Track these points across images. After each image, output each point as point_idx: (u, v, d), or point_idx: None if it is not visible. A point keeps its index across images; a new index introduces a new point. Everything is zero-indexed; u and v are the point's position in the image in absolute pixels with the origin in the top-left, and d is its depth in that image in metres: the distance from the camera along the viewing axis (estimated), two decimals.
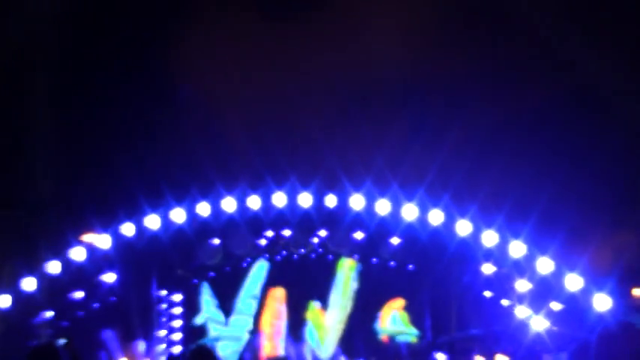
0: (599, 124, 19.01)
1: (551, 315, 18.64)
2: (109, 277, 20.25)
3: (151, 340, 20.95)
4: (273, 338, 22.28)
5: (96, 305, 20.32)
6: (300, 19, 19.35)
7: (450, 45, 19.28)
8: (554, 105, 19.11)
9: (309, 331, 22.23)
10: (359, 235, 21.10)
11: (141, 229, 20.10)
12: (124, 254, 20.15)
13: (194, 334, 21.60)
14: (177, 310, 22.01)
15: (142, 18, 19.61)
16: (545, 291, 18.64)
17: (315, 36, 19.11)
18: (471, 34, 19.55)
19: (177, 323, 21.94)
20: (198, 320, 22.03)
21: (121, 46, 19.64)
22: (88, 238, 19.66)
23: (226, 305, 22.22)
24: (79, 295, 19.92)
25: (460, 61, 19.22)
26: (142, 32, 19.61)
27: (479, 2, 19.52)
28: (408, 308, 21.90)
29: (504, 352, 18.37)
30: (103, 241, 19.63)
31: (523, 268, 18.98)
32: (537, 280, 18.62)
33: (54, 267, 18.86)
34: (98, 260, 19.67)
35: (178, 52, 19.05)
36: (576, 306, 18.09)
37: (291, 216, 20.77)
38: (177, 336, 21.81)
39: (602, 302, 17.61)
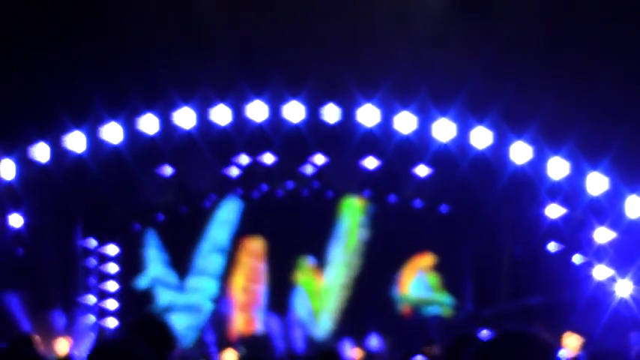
0: None
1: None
2: (14, 221, 20.05)
3: (74, 310, 20.88)
4: (248, 309, 22.53)
5: None
6: None
7: None
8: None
9: (300, 300, 22.44)
10: (371, 163, 21.08)
11: (59, 153, 19.85)
12: (36, 188, 19.99)
13: (135, 302, 21.70)
14: (112, 268, 22.03)
15: None
16: (633, 243, 18.62)
17: None
18: None
19: (112, 286, 21.96)
20: (142, 283, 22.11)
21: None
22: None
23: (181, 262, 22.35)
24: None
25: None
26: None
27: None
28: (440, 268, 22.14)
29: (576, 329, 18.51)
30: (4, 168, 19.49)
31: (604, 210, 19.00)
32: (623, 228, 18.61)
33: None
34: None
35: None
36: None
37: (274, 135, 20.57)
38: (111, 304, 21.82)
39: None
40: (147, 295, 22.08)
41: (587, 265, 19.75)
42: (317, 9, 19.22)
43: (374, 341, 21.04)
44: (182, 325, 21.08)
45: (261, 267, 22.67)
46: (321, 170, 21.91)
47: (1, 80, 19.08)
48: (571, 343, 18.17)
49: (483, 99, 19.47)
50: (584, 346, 17.28)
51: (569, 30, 18.16)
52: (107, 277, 22.06)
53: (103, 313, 21.83)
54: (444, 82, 19.50)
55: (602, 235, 19.05)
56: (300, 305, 22.46)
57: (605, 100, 18.09)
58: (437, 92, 19.74)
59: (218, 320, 22.30)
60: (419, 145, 20.28)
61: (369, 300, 21.97)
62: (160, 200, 22.00)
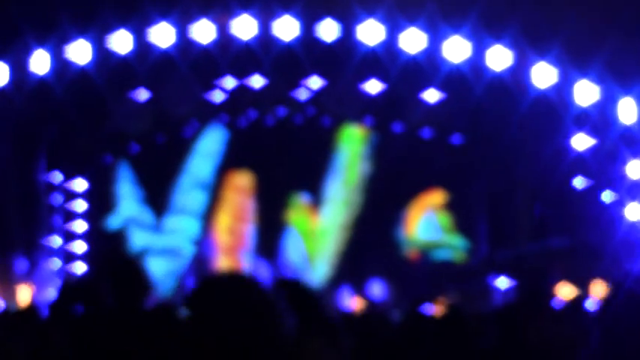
0: None
1: None
2: None
3: (37, 253, 21.02)
4: (234, 252, 22.82)
5: None
6: None
7: None
8: None
9: (292, 242, 22.72)
10: (374, 87, 21.07)
11: (19, 75, 19.94)
12: None
13: (106, 244, 21.97)
14: (80, 206, 22.25)
15: None
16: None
17: None
18: None
19: (80, 227, 22.17)
20: (114, 222, 22.36)
21: None
22: None
23: (158, 199, 22.62)
24: None
25: None
26: None
27: None
28: (451, 206, 22.42)
29: (605, 277, 18.74)
30: None
31: (638, 141, 19.12)
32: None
33: None
34: None
35: None
36: None
37: (263, 55, 20.50)
38: (79, 247, 22.04)
39: None
40: (119, 237, 22.21)
41: (619, 204, 19.74)
42: None
43: (376, 288, 21.23)
44: (160, 270, 21.24)
45: (249, 205, 22.84)
46: (316, 95, 21.88)
47: None
48: (599, 289, 18.50)
49: (500, 13, 19.32)
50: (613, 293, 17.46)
51: None
52: (74, 215, 22.20)
53: (69, 256, 21.94)
54: None
55: (636, 169, 19.11)
56: (293, 248, 22.67)
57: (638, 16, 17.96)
58: (448, 6, 19.67)
59: (200, 265, 22.44)
60: (428, 67, 20.15)
61: (371, 243, 22.06)
62: (134, 128, 22.04)
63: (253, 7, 20.30)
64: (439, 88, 20.67)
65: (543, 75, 19.29)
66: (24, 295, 19.28)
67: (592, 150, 19.84)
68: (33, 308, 9.04)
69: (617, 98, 18.92)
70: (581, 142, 19.83)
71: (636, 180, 19.37)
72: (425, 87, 20.89)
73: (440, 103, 21.01)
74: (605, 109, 19.19)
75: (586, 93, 19.05)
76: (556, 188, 20.73)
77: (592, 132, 19.71)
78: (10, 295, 18.49)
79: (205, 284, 4.79)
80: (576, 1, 18.61)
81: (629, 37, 18.09)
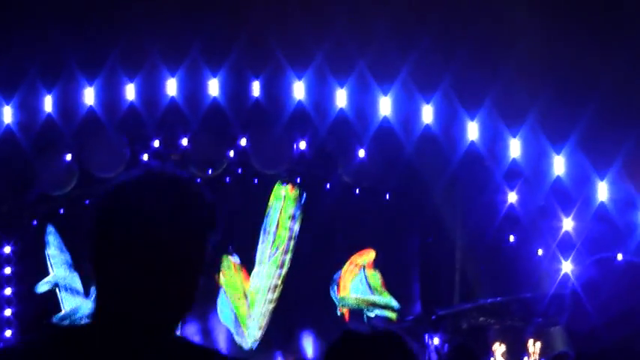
0: None
1: (613, 272, 18.37)
2: None
3: None
4: None
5: None
6: None
7: None
8: None
9: (223, 304, 22.85)
10: (303, 145, 21.28)
11: None
12: None
13: (37, 309, 21.93)
14: (7, 270, 22.21)
15: None
16: (603, 235, 18.70)
17: None
18: None
19: (7, 291, 22.13)
20: (42, 287, 22.28)
21: None
22: None
23: (86, 262, 22.02)
24: None
25: None
26: None
27: None
28: (382, 264, 22.57)
29: (541, 334, 18.89)
30: None
31: (571, 196, 19.29)
32: (591, 217, 18.96)
33: None
34: None
35: None
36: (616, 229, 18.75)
37: (190, 110, 20.77)
38: (6, 312, 22.00)
39: None
40: (50, 301, 22.20)
41: (553, 259, 19.86)
42: None
43: (309, 350, 21.55)
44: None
45: None
46: (244, 154, 21.99)
47: None
48: (535, 348, 18.71)
49: (432, 70, 19.59)
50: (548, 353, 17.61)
51: None
52: (4, 280, 22.24)
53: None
54: (386, 50, 19.75)
55: (568, 224, 19.27)
56: (224, 311, 22.78)
57: (571, 73, 18.38)
58: (378, 63, 19.91)
59: None
60: (358, 124, 20.45)
61: (303, 303, 22.33)
62: (60, 191, 21.94)
63: (184, 63, 20.58)
64: (369, 144, 20.81)
65: (474, 131, 19.52)
66: None
67: (524, 205, 19.95)
68: None
69: (549, 155, 19.05)
70: (513, 197, 19.99)
71: (569, 234, 19.40)
72: (355, 144, 21.02)
73: (370, 160, 21.15)
74: (537, 164, 19.35)
75: (517, 149, 19.26)
76: (490, 244, 20.95)
77: (524, 187, 19.85)
78: None
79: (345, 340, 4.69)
80: (508, 55, 18.93)
81: (562, 95, 18.48)
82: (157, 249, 2.37)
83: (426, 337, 19.74)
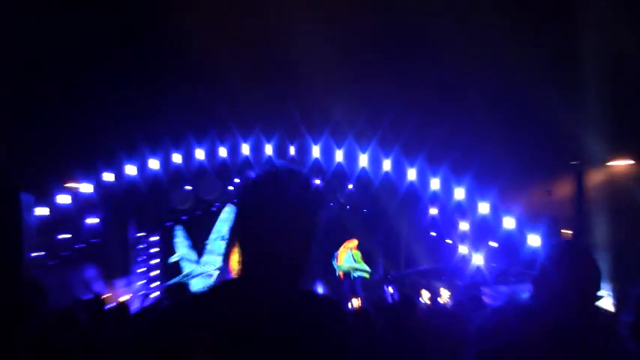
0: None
1: (488, 251, 18.83)
2: (92, 221, 20.34)
3: (130, 277, 21.19)
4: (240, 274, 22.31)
5: (79, 246, 20.30)
6: None
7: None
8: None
9: None
10: (317, 182, 20.63)
11: (120, 177, 20.24)
12: (106, 199, 20.26)
13: (170, 271, 22.04)
14: (155, 250, 22.45)
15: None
16: (483, 231, 18.84)
17: None
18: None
19: (155, 262, 22.36)
20: (173, 259, 22.43)
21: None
22: (72, 184, 19.75)
23: (198, 245, 22.56)
24: (64, 236, 19.95)
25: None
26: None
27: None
28: (361, 247, 22.51)
29: (447, 286, 18.97)
30: (85, 187, 19.81)
31: (464, 210, 19.31)
32: (477, 222, 18.81)
33: (41, 211, 18.90)
34: (80, 205, 19.80)
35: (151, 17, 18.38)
36: (511, 244, 18.10)
37: (256, 164, 20.68)
38: (154, 273, 22.21)
39: (534, 241, 17.81)
40: (176, 267, 22.29)
41: (455, 245, 20.15)
42: (289, 85, 19.02)
43: (320, 290, 20.39)
44: (199, 285, 20.81)
45: None
46: None
47: (81, 131, 18.77)
48: (444, 294, 18.71)
49: (389, 139, 19.68)
50: (452, 296, 17.57)
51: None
52: (151, 256, 22.35)
53: (149, 279, 22.04)
54: (363, 131, 19.92)
55: (464, 226, 19.41)
56: None
57: (464, 142, 18.05)
58: (359, 138, 20.01)
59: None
60: (348, 171, 20.40)
61: (318, 269, 21.47)
62: (183, 207, 22.16)
63: (250, 138, 20.61)
64: (355, 182, 20.64)
65: (411, 174, 19.41)
66: (122, 296, 18.21)
67: (440, 215, 20.05)
68: (125, 305, 8.93)
69: (453, 187, 19.02)
70: (434, 211, 20.02)
71: (464, 232, 19.58)
72: (346, 182, 20.94)
73: (354, 191, 21.09)
74: (448, 193, 19.27)
75: (435, 184, 19.28)
76: (420, 237, 21.12)
77: (440, 206, 19.90)
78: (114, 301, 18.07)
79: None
80: (432, 132, 18.59)
81: (462, 155, 18.28)
82: (282, 222, 2.08)
83: (385, 287, 19.61)
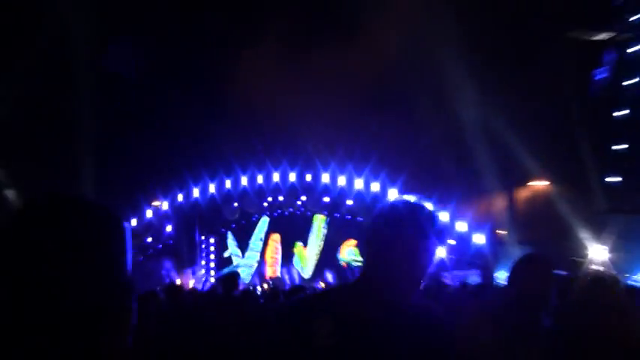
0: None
1: (448, 247, 18.23)
2: (168, 228, 20.62)
3: (195, 267, 21.21)
4: (273, 265, 22.54)
5: (160, 246, 20.52)
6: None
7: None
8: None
9: (296, 260, 22.38)
10: (326, 199, 21.16)
11: (187, 197, 20.50)
12: (178, 213, 20.59)
13: (223, 263, 21.87)
14: (212, 249, 22.38)
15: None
16: (444, 232, 17.87)
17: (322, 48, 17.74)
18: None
19: (212, 257, 22.31)
20: (225, 255, 22.32)
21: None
22: (155, 203, 20.14)
23: (243, 245, 22.44)
24: (149, 239, 20.24)
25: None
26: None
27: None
28: (358, 245, 21.83)
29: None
30: (164, 205, 20.21)
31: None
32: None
33: (133, 222, 19.35)
34: (161, 218, 20.23)
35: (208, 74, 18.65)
36: (464, 242, 18.12)
37: (283, 187, 20.97)
38: (212, 264, 22.17)
39: (479, 239, 17.88)
40: (228, 261, 21.97)
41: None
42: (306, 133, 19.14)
43: (329, 277, 20.93)
44: (244, 274, 20.85)
45: (278, 246, 22.53)
46: (304, 203, 21.74)
47: (162, 164, 18.81)
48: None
49: (377, 170, 19.56)
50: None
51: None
52: (210, 252, 22.18)
53: (208, 269, 21.88)
54: (359, 163, 19.81)
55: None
56: (296, 263, 22.25)
57: (431, 172, 17.73)
58: (357, 167, 19.86)
59: (260, 271, 22.27)
60: (348, 191, 20.34)
61: (326, 260, 21.72)
62: (232, 218, 21.96)
63: (279, 168, 20.40)
64: (353, 199, 20.39)
65: (393, 194, 19.03)
66: (189, 283, 18.83)
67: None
68: (194, 290, 8.89)
69: (422, 202, 18.39)
70: None
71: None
72: (347, 199, 20.65)
73: (353, 205, 20.57)
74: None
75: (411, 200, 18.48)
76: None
77: None
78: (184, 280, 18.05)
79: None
80: (408, 162, 18.25)
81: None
82: (405, 243, 1.65)
83: None
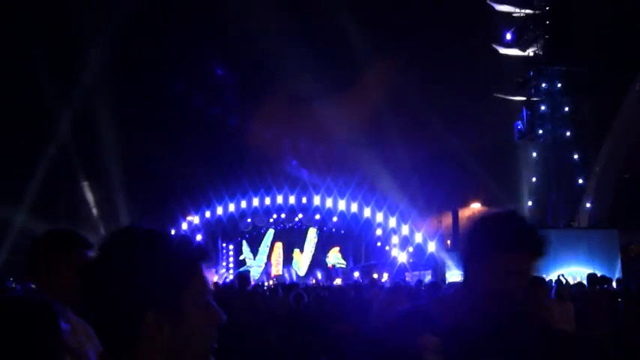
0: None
1: (408, 253, 18.03)
2: (198, 237, 19.61)
3: (218, 267, 20.63)
4: (277, 265, 22.23)
5: None
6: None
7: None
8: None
9: (294, 262, 22.07)
10: (317, 216, 20.92)
11: (213, 213, 20.05)
12: (206, 226, 20.10)
13: (239, 264, 21.59)
14: (231, 253, 21.96)
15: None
16: (405, 242, 18.35)
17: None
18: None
19: (231, 259, 21.87)
20: (241, 258, 21.97)
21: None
22: (189, 217, 19.73)
23: (254, 250, 22.14)
24: None
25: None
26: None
27: None
28: (341, 251, 21.90)
29: (386, 272, 18.17)
30: (195, 219, 19.83)
31: (395, 230, 18.83)
32: (402, 237, 18.42)
33: (172, 232, 18.12)
34: (193, 229, 19.71)
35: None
36: (420, 249, 17.85)
37: (284, 207, 20.56)
38: (231, 265, 21.67)
39: (432, 247, 17.35)
40: (243, 262, 21.52)
41: (390, 249, 18.85)
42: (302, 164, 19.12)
43: (319, 275, 20.47)
44: (255, 272, 20.35)
45: (281, 252, 22.09)
46: (301, 219, 21.21)
47: (193, 187, 18.41)
48: (385, 276, 17.71)
49: (356, 193, 19.02)
50: (389, 277, 16.77)
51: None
52: (229, 256, 21.63)
53: (227, 268, 21.06)
54: (342, 189, 19.25)
55: (395, 239, 18.43)
56: (294, 264, 21.71)
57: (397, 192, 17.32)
58: (340, 191, 19.24)
59: (267, 270, 21.77)
60: (334, 210, 19.71)
61: (317, 262, 21.33)
62: (246, 230, 21.31)
63: (282, 192, 19.62)
64: (337, 217, 19.91)
65: (369, 213, 18.70)
66: (213, 278, 18.09)
67: (382, 234, 19.23)
68: (216, 284, 8.11)
69: (389, 218, 18.46)
70: (379, 232, 19.27)
71: (395, 242, 18.44)
72: (333, 216, 20.07)
73: (338, 222, 20.07)
74: (386, 222, 18.62)
75: (380, 217, 18.77)
76: (372, 245, 20.18)
77: (382, 229, 19.06)
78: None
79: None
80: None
81: (394, 196, 17.37)
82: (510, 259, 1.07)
83: (353, 272, 18.80)
